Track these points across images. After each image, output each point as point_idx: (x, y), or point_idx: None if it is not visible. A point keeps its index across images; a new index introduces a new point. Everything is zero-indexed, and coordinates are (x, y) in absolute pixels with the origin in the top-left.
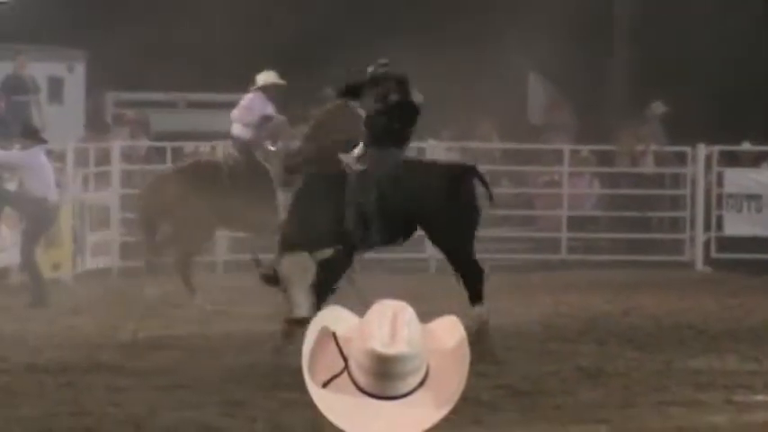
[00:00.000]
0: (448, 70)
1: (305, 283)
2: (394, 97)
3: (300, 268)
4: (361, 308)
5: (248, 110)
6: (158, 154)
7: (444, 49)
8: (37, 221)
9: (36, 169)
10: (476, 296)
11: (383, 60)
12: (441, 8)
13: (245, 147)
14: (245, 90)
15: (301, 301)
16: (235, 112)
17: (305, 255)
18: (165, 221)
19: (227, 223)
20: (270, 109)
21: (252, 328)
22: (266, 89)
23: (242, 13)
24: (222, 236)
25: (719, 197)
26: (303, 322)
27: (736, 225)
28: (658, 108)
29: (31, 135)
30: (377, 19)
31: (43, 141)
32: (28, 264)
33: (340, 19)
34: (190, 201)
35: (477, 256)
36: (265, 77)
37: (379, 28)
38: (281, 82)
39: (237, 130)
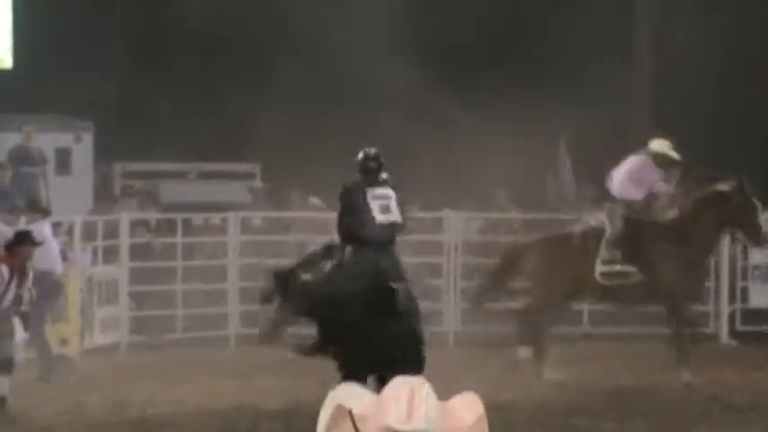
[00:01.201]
0: (463, 140)
1: None
2: None
3: None
4: None
5: (637, 179)
6: (168, 226)
7: (459, 118)
8: (43, 295)
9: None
10: None
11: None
12: (457, 77)
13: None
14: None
15: None
16: (621, 175)
17: None
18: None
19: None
20: (660, 183)
21: (262, 402)
22: (656, 157)
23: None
24: (234, 311)
25: (744, 269)
26: None
27: (762, 297)
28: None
29: (36, 208)
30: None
31: (48, 214)
32: (37, 339)
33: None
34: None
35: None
36: (659, 146)
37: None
38: (676, 157)
39: (622, 192)
